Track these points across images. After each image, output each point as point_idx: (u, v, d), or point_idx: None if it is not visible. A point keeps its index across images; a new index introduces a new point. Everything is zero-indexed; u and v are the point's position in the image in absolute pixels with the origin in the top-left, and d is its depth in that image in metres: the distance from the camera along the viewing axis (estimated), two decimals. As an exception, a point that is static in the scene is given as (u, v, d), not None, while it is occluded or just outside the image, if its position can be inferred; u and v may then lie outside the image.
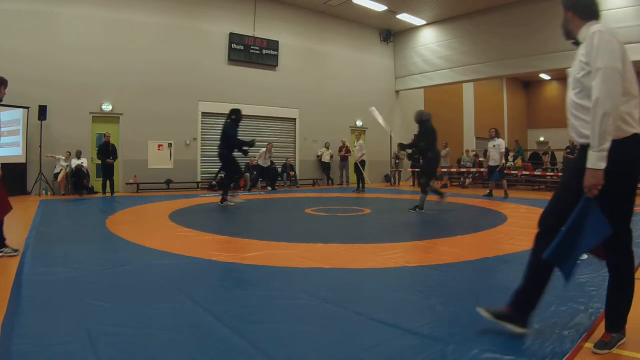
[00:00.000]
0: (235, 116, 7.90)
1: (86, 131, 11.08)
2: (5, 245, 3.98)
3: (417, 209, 7.04)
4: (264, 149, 12.61)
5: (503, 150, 9.94)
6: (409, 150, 7.24)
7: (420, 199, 7.10)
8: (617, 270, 2.00)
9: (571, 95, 2.02)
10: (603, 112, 1.78)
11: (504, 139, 10.37)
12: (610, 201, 1.90)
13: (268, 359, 1.87)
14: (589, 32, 1.94)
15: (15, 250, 4.00)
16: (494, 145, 9.98)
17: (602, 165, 1.80)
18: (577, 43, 2.08)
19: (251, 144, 8.05)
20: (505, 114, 23.04)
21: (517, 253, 4.00)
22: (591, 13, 2.03)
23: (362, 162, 11.76)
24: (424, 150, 7.06)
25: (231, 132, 7.77)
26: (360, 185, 11.81)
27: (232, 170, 8.10)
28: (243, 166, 13.00)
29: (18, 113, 10.12)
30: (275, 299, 2.67)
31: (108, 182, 10.36)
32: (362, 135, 12.20)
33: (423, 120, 7.09)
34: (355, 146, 12.40)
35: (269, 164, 12.84)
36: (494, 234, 5.14)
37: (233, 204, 7.87)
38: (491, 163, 10.06)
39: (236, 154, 8.07)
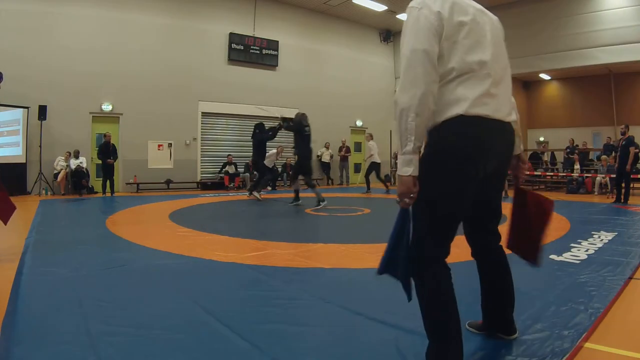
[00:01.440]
0: (259, 130, 9.44)
1: (86, 131, 11.08)
2: None
3: (320, 204, 7.53)
4: (274, 151, 12.38)
5: None
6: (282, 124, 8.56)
7: (316, 195, 7.72)
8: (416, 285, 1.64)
9: None
10: (400, 108, 1.47)
11: None
12: (416, 204, 1.54)
13: (268, 359, 1.87)
14: (407, 9, 1.58)
15: None
16: None
17: (409, 170, 1.48)
18: None
19: (278, 127, 9.16)
20: (505, 114, 22.97)
21: (517, 253, 4.00)
22: None
23: (373, 164, 11.38)
24: (298, 154, 8.09)
25: (263, 137, 9.35)
26: (384, 186, 11.66)
27: (263, 172, 9.76)
28: (242, 167, 13.03)
29: (18, 113, 10.12)
30: (275, 299, 2.67)
31: (108, 182, 10.35)
32: (372, 135, 11.84)
33: (298, 126, 7.96)
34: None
35: (272, 165, 12.74)
36: (494, 234, 5.13)
37: (259, 199, 9.04)
38: None
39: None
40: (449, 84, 1.54)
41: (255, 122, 10.20)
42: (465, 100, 1.53)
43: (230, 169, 12.57)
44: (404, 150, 1.50)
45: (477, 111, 1.55)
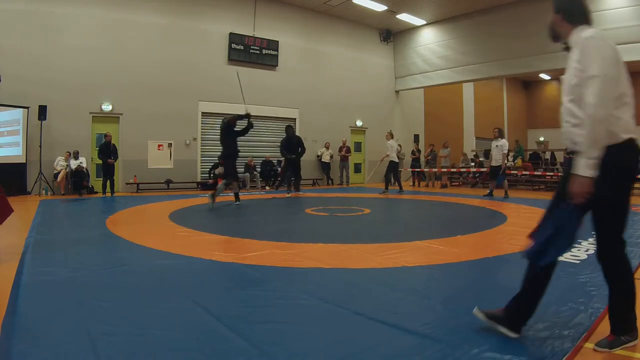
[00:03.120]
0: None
1: (86, 131, 11.08)
2: None
3: (212, 203, 7.49)
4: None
5: (506, 151, 9.89)
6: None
7: (218, 190, 7.63)
8: (611, 277, 1.98)
9: (566, 102, 1.99)
10: (596, 120, 1.76)
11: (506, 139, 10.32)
12: (604, 209, 1.90)
13: (268, 359, 1.87)
14: (580, 37, 1.91)
15: None
16: (497, 146, 9.91)
17: (590, 173, 1.78)
18: (567, 47, 2.04)
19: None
20: (505, 114, 23.05)
21: (517, 253, 3.99)
22: (581, 18, 1.99)
23: (391, 164, 11.13)
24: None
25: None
26: (397, 186, 11.38)
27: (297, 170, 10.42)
28: (242, 166, 13.01)
29: (18, 113, 10.12)
30: (275, 299, 2.67)
31: (108, 182, 10.35)
32: (392, 134, 11.49)
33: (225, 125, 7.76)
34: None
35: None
36: (494, 234, 5.14)
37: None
38: (494, 163, 10.04)
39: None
40: (624, 106, 1.87)
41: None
42: (631, 124, 1.89)
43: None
44: (591, 155, 1.78)
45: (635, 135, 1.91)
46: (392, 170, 11.26)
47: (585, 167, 1.78)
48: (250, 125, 8.07)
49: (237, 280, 3.20)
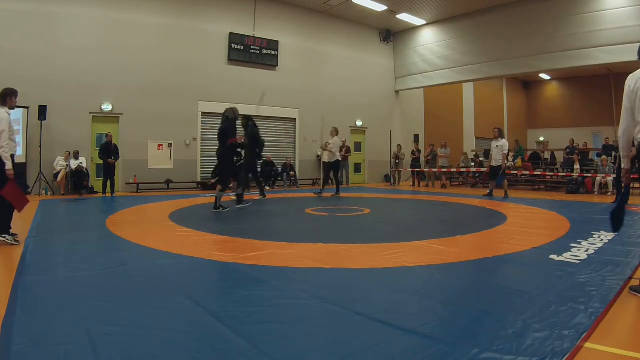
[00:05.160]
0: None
1: (86, 131, 11.08)
2: (8, 233, 4.27)
3: (220, 208, 7.01)
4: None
5: (506, 151, 9.88)
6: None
7: (217, 198, 7.11)
8: None
9: None
10: (619, 135, 2.99)
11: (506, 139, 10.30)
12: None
13: (268, 359, 1.87)
14: None
15: (17, 241, 4.28)
16: (497, 146, 9.90)
17: (625, 166, 3.03)
18: None
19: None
20: (505, 114, 23.06)
21: (516, 253, 4.01)
22: None
23: (335, 162, 10.21)
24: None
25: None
26: (333, 185, 10.51)
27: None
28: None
29: (18, 113, 10.10)
30: (275, 299, 2.67)
31: (109, 182, 10.35)
32: (337, 130, 10.58)
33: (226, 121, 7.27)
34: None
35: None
36: (494, 234, 5.14)
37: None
38: (493, 164, 10.03)
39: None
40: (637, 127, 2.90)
41: (256, 121, 9.83)
42: None
43: None
44: (623, 155, 3.02)
45: None
46: (334, 168, 10.38)
47: (623, 162, 3.03)
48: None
49: (237, 280, 3.20)
